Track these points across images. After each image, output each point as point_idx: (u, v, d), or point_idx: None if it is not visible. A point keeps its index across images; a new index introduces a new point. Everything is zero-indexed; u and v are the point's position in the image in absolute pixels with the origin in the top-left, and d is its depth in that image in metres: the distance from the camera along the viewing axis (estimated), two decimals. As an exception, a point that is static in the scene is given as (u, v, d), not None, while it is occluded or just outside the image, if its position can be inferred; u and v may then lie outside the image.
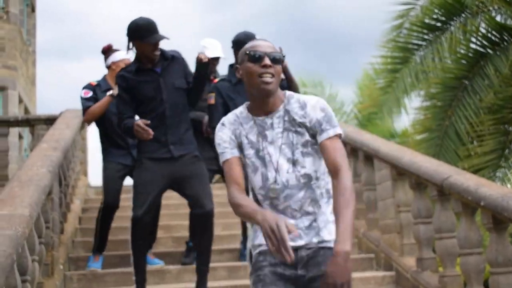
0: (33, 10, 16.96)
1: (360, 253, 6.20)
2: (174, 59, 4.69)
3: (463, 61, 8.51)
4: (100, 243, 5.67)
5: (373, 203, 6.18)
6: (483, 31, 8.63)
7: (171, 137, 4.58)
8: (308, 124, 2.47)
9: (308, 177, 2.47)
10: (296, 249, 2.42)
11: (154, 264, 5.59)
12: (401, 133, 14.98)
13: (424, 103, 9.24)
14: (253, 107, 2.53)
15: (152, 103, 4.58)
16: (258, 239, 2.51)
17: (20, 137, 13.39)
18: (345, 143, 6.82)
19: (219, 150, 2.54)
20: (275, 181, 2.46)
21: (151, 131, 4.39)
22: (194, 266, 5.10)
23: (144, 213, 4.46)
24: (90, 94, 5.63)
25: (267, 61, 2.43)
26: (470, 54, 8.53)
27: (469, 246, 4.43)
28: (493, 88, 8.09)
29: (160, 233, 6.57)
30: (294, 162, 2.47)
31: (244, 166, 2.54)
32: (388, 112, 10.50)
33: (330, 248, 2.40)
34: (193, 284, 4.79)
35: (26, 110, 15.08)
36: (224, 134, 2.54)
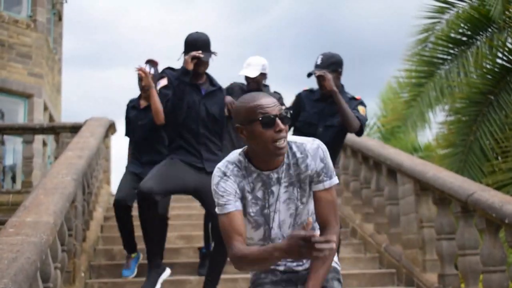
0: (60, 18, 17.15)
1: (381, 267, 6.17)
2: (219, 90, 4.80)
3: (489, 76, 8.44)
4: (125, 243, 5.75)
5: (396, 217, 6.14)
6: (510, 46, 8.56)
7: (204, 153, 4.67)
8: (310, 175, 2.44)
9: (304, 221, 2.48)
10: (297, 271, 2.50)
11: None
12: (425, 147, 14.87)
13: (449, 117, 9.18)
14: (257, 161, 2.41)
15: (189, 109, 4.66)
16: None
17: (44, 144, 13.51)
18: (368, 157, 6.80)
19: (220, 200, 2.40)
20: (279, 235, 2.45)
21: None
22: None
23: (158, 192, 4.40)
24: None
25: (281, 125, 2.31)
26: (496, 69, 8.46)
27: (492, 264, 4.38)
28: (519, 103, 8.02)
29: (181, 243, 6.60)
30: (295, 217, 2.46)
31: None
32: (413, 126, 10.43)
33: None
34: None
35: (51, 118, 15.22)
36: (228, 187, 2.40)
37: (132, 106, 5.83)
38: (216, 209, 2.42)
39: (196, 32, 4.72)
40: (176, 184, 4.57)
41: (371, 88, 44.55)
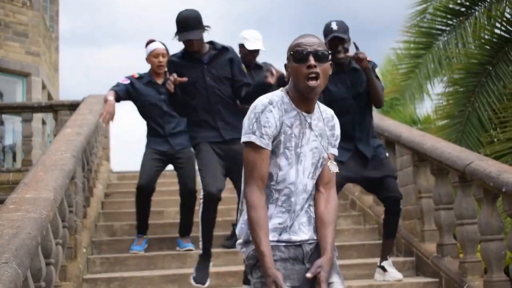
0: (56, -4, 17.05)
1: (381, 238, 6.19)
2: (223, 51, 4.78)
3: (487, 47, 8.40)
4: (140, 225, 5.85)
5: (395, 188, 6.16)
6: (508, 16, 8.52)
7: (219, 123, 4.72)
8: (332, 136, 2.58)
9: (314, 186, 2.56)
10: (300, 244, 2.50)
11: (186, 246, 5.73)
12: (424, 119, 14.86)
13: (447, 89, 9.15)
14: (296, 99, 2.47)
15: (195, 89, 4.69)
16: (273, 223, 2.50)
17: (43, 123, 13.51)
18: (366, 129, 6.80)
19: (258, 130, 2.39)
20: (302, 181, 2.49)
21: (173, 79, 4.50)
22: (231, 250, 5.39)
23: (217, 191, 4.53)
24: (126, 82, 5.91)
25: (312, 61, 2.38)
26: (494, 40, 8.42)
27: (490, 232, 4.42)
28: (517, 74, 8.00)
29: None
30: (315, 169, 2.52)
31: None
32: (411, 98, 10.41)
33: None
34: (215, 268, 4.86)
35: (49, 96, 15.19)
36: (271, 118, 2.41)
37: (148, 82, 5.87)
38: (252, 137, 2.39)
39: (186, 10, 4.67)
40: (221, 170, 4.66)
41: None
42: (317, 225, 2.51)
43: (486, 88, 8.08)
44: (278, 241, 2.47)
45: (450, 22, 9.33)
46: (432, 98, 10.40)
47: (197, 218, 4.72)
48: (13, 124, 12.95)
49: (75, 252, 5.00)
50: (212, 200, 4.53)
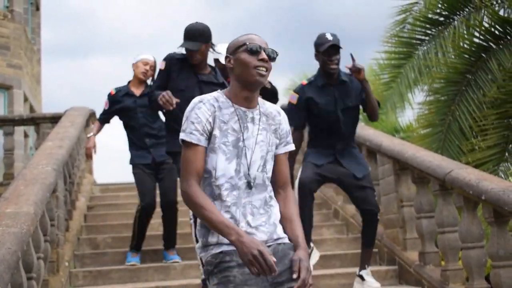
0: (37, 8, 17.01)
1: (364, 248, 6.23)
2: (219, 85, 4.66)
3: (466, 56, 8.47)
4: (137, 243, 5.83)
5: (377, 198, 6.20)
6: (486, 25, 8.60)
7: None
8: (279, 132, 2.62)
9: (268, 179, 2.58)
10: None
11: (172, 259, 5.72)
12: (406, 128, 14.95)
13: (428, 98, 9.21)
14: (235, 96, 2.54)
15: (183, 97, 4.61)
16: (215, 236, 2.45)
17: (26, 135, 13.44)
18: (348, 139, 6.85)
19: (188, 127, 2.45)
20: (247, 175, 2.49)
21: (174, 101, 4.40)
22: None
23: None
24: (107, 106, 6.05)
25: (264, 55, 2.50)
26: (473, 49, 8.49)
27: (471, 240, 4.45)
28: (496, 82, 8.06)
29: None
30: (265, 162, 2.55)
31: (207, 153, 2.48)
32: (392, 107, 10.48)
33: (285, 243, 2.54)
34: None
35: (32, 109, 15.13)
36: (201, 113, 2.46)
37: (126, 93, 5.92)
38: (181, 135, 2.47)
39: (196, 23, 4.61)
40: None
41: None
42: (283, 225, 2.60)
43: (466, 96, 8.15)
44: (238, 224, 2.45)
45: (429, 31, 9.41)
46: (414, 107, 10.48)
47: (180, 229, 4.71)
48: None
49: (57, 266, 4.97)
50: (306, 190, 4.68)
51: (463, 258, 4.52)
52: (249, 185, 2.48)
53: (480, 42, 8.48)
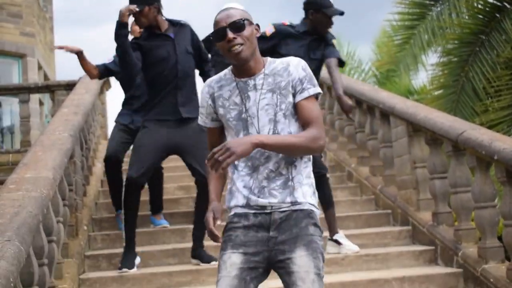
0: (48, -24, 16.96)
1: (377, 209, 6.30)
2: (182, 26, 4.92)
3: (480, 16, 8.42)
4: (113, 199, 5.91)
5: (390, 160, 6.24)
6: (501, -16, 8.53)
7: (181, 98, 4.81)
8: (291, 83, 2.52)
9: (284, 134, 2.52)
10: (269, 212, 2.48)
11: (161, 224, 5.81)
12: (420, 90, 14.90)
13: (441, 59, 9.18)
14: (235, 70, 2.56)
15: (165, 64, 4.80)
16: (234, 201, 2.54)
17: (41, 103, 13.54)
18: (361, 102, 6.87)
19: (199, 112, 2.67)
20: None
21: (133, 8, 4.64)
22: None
23: (141, 175, 4.70)
24: (111, 60, 5.83)
25: (230, 35, 2.46)
26: (487, 9, 8.43)
27: (483, 200, 4.49)
28: (510, 42, 8.01)
29: (180, 194, 6.72)
30: (275, 123, 2.50)
31: (222, 130, 2.63)
32: (405, 69, 10.45)
33: (302, 210, 2.49)
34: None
35: (46, 77, 15.19)
36: (202, 98, 2.63)
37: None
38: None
39: None
40: (155, 157, 4.78)
41: (366, 34, 44.23)
42: None
43: (480, 57, 8.11)
44: (247, 206, 2.49)
45: (443, -9, 9.33)
46: (427, 69, 10.44)
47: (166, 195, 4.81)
48: (11, 106, 12.98)
49: (76, 229, 5.08)
50: (131, 186, 4.71)
51: (476, 218, 4.57)
52: (263, 151, 2.48)
53: (494, 2, 8.42)
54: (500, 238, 4.47)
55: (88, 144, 6.37)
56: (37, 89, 8.82)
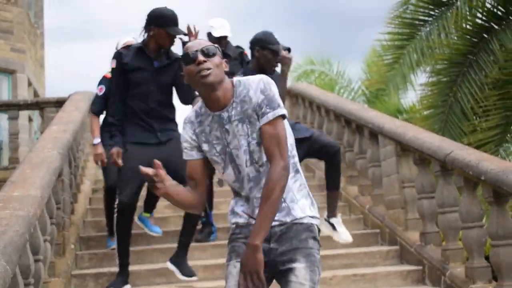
0: (40, -8, 16.99)
1: (366, 228, 6.31)
2: (176, 61, 4.77)
3: (468, 37, 8.50)
4: (109, 227, 5.84)
5: (378, 179, 6.26)
6: (489, 6, 8.61)
7: (157, 125, 4.76)
8: (255, 109, 2.47)
9: (266, 164, 2.49)
10: (272, 226, 2.46)
11: (154, 231, 5.75)
12: (409, 109, 14.98)
13: (430, 79, 9.25)
14: (207, 104, 2.53)
15: (140, 89, 4.74)
16: (236, 219, 2.58)
17: (30, 119, 13.52)
18: (350, 121, 6.90)
19: (183, 147, 2.62)
20: (242, 174, 2.52)
21: (119, 163, 4.70)
22: (205, 243, 5.33)
23: (131, 198, 4.63)
24: (103, 91, 5.86)
25: (200, 57, 2.45)
26: (476, 30, 8.51)
27: (471, 220, 4.51)
28: (498, 63, 8.09)
29: (169, 212, 6.70)
30: (250, 154, 2.49)
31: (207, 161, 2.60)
32: (395, 88, 10.51)
33: (301, 224, 2.50)
34: (202, 261, 4.91)
35: (35, 93, 15.18)
36: (185, 134, 2.60)
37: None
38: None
39: (166, 8, 4.69)
40: (140, 180, 4.66)
41: (356, 53, 44.46)
42: None
43: (468, 77, 8.18)
44: (249, 222, 2.51)
45: (432, 12, 9.41)
46: (416, 89, 10.52)
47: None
48: (0, 121, 12.95)
49: (64, 248, 5.05)
50: (125, 211, 4.65)
51: (463, 237, 4.58)
52: (248, 181, 2.52)
53: (483, 23, 8.51)
54: (487, 258, 4.49)
55: (76, 162, 6.36)
56: (27, 106, 8.80)
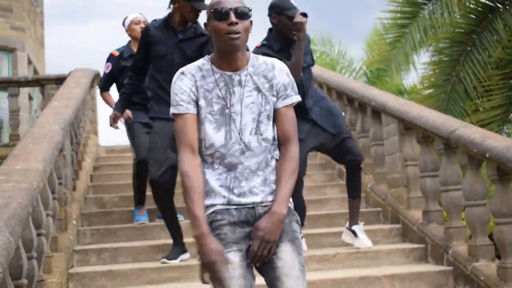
0: (39, -30, 16.87)
1: (368, 207, 6.30)
2: (202, 36, 4.74)
3: (472, 16, 8.45)
4: (139, 197, 5.86)
5: (381, 157, 6.24)
6: (493, -15, 8.56)
7: None
8: (275, 87, 2.48)
9: (267, 141, 2.48)
10: (253, 206, 2.44)
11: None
12: (410, 90, 14.93)
13: (433, 58, 9.20)
14: (219, 61, 2.46)
15: (163, 62, 4.73)
16: (210, 200, 2.46)
17: (30, 98, 13.46)
18: (353, 99, 6.86)
19: (174, 99, 2.45)
20: (239, 141, 2.44)
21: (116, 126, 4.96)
22: None
23: (161, 175, 4.62)
24: (110, 68, 6.02)
25: (233, 18, 2.39)
26: (479, 9, 8.46)
27: (474, 198, 4.49)
28: (501, 43, 8.05)
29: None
30: (258, 124, 2.46)
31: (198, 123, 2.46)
32: (397, 68, 10.44)
33: None
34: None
35: (35, 71, 15.11)
36: (183, 84, 2.45)
37: (130, 55, 5.89)
38: (171, 109, 2.47)
39: None
40: (169, 155, 4.63)
41: (357, 33, 44.30)
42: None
43: (471, 57, 8.13)
44: (228, 203, 2.44)
45: (435, -10, 9.34)
46: (418, 68, 10.45)
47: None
48: (0, 100, 12.90)
49: (66, 223, 5.04)
50: (162, 188, 4.69)
51: (466, 216, 4.57)
52: (243, 150, 2.44)
53: (486, 2, 8.44)
54: (490, 236, 4.48)
55: (78, 138, 6.34)
56: (27, 82, 8.76)
